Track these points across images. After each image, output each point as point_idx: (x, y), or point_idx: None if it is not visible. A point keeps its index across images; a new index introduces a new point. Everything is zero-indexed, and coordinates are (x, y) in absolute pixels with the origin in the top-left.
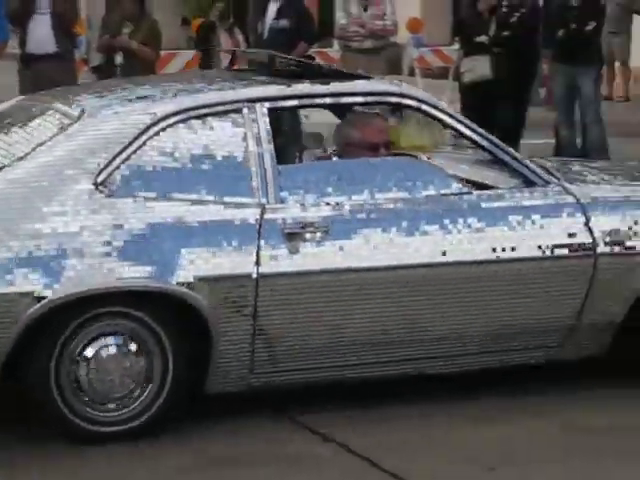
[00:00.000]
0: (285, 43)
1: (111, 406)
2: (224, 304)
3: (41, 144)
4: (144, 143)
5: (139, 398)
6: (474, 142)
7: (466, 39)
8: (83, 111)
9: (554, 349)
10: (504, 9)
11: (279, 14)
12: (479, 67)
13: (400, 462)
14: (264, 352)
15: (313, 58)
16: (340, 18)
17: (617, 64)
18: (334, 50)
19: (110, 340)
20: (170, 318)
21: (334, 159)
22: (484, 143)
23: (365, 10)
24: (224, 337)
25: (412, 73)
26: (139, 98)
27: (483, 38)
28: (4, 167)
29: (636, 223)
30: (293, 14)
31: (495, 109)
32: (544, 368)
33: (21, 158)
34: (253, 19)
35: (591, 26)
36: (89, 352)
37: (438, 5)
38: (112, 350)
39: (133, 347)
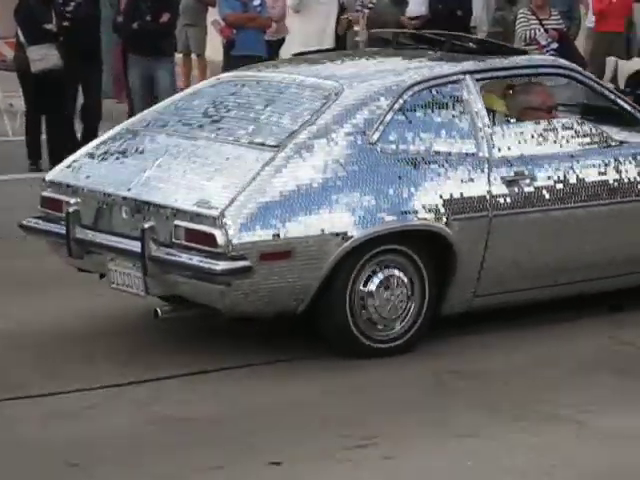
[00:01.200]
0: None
1: (381, 327)
2: (467, 239)
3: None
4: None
5: (405, 319)
6: (616, 104)
7: (31, 27)
8: (342, 85)
9: None
10: None
11: None
12: (49, 56)
13: None
14: (486, 278)
15: None
16: None
17: (194, 56)
18: None
19: (388, 272)
20: (428, 252)
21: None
22: (625, 105)
23: None
24: (464, 266)
25: None
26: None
27: (50, 26)
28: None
29: None
30: None
31: (66, 97)
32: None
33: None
34: None
35: (165, 18)
36: (374, 282)
37: None
38: (389, 280)
39: (403, 277)
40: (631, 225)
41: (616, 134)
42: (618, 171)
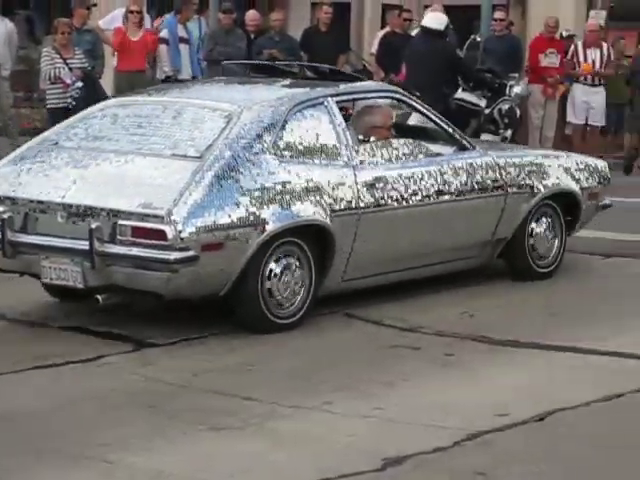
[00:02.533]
0: None
1: (285, 305)
2: (343, 230)
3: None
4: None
5: (297, 299)
6: (436, 123)
7: None
8: (240, 107)
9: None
10: None
11: None
12: None
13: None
14: (352, 263)
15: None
16: None
17: None
18: None
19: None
20: (314, 242)
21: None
22: (444, 126)
23: None
24: (339, 254)
25: None
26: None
27: None
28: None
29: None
30: None
31: None
32: None
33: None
34: None
35: None
36: (277, 268)
37: None
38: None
39: (297, 263)
40: (453, 219)
41: (433, 147)
42: (441, 176)
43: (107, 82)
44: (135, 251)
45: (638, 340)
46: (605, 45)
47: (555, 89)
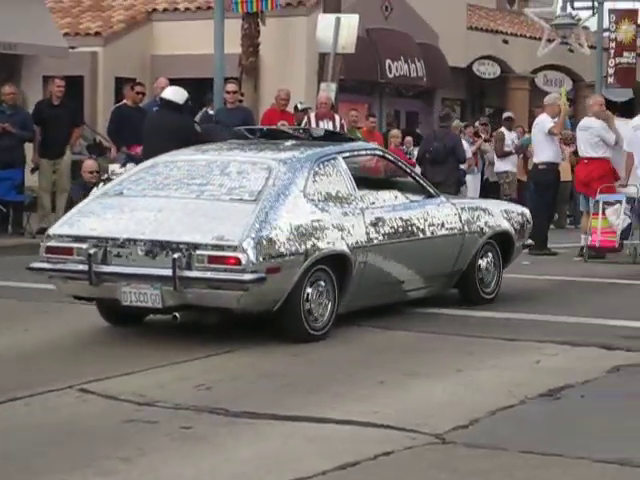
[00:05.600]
0: None
1: (319, 320)
2: (357, 259)
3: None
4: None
5: (325, 314)
6: (411, 177)
7: None
8: (277, 161)
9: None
10: None
11: None
12: None
13: None
14: (359, 288)
15: None
16: None
17: None
18: None
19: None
20: (336, 268)
21: None
22: (417, 179)
23: None
24: (354, 279)
25: None
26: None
27: None
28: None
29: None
30: None
31: None
32: None
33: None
34: None
35: None
36: (312, 290)
37: None
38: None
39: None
40: (428, 252)
41: (411, 196)
42: (418, 218)
43: None
44: (210, 274)
45: (371, 408)
46: (337, 117)
47: None
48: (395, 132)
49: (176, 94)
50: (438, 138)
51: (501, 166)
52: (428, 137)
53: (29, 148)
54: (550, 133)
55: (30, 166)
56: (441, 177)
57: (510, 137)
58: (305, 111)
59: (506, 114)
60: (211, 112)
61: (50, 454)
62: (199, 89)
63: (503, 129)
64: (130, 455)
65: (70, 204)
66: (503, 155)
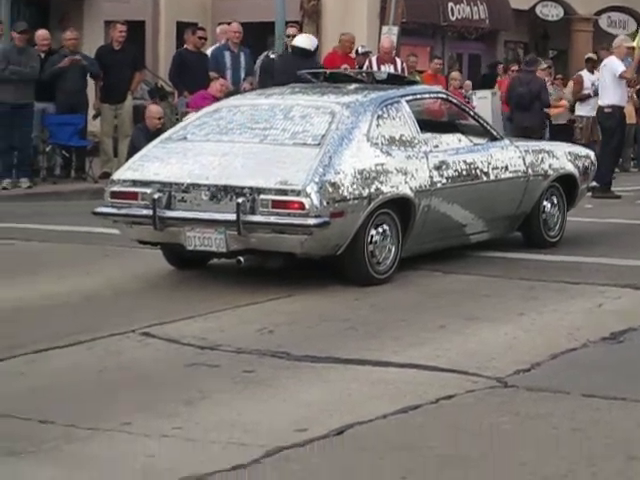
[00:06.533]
0: None
1: (382, 263)
2: (420, 203)
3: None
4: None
5: (389, 258)
6: (474, 119)
7: None
8: (340, 105)
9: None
10: None
11: None
12: None
13: None
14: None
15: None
16: None
17: None
18: None
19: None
20: (400, 212)
21: None
22: (480, 121)
23: None
24: (417, 223)
25: None
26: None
27: None
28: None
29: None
30: None
31: None
32: None
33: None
34: None
35: None
36: (376, 234)
37: None
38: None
39: (388, 230)
40: (492, 196)
41: (475, 139)
42: (482, 161)
43: None
44: (274, 219)
45: (433, 352)
46: (399, 60)
47: None
48: (455, 74)
49: (307, 41)
50: (524, 83)
51: (577, 110)
52: (513, 82)
53: (91, 93)
54: (621, 77)
55: (92, 112)
56: (528, 122)
57: (590, 79)
58: (366, 55)
59: (588, 55)
60: (272, 56)
61: (112, 397)
62: (260, 33)
63: (584, 71)
64: (192, 398)
65: (132, 149)
66: (579, 99)
